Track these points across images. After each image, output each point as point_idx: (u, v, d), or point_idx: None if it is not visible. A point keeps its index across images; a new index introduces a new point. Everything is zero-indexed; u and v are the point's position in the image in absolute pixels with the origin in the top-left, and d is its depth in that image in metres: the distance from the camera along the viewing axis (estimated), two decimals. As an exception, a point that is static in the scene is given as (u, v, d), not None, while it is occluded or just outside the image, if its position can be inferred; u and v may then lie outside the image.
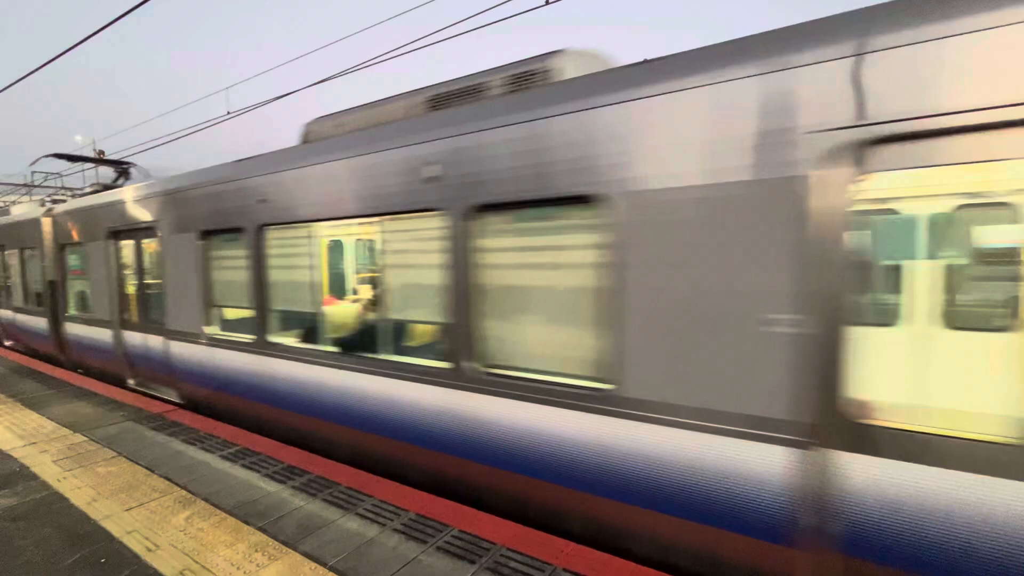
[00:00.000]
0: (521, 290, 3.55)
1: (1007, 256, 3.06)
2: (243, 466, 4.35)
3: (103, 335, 7.83)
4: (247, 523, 3.41)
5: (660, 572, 2.76)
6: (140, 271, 6.99)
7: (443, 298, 3.80)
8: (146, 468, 4.37)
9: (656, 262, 2.86)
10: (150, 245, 6.70)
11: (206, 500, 3.76)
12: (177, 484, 4.04)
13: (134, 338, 7.19)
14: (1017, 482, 2.09)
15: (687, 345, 2.77)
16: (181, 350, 6.24)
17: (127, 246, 7.20)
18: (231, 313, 5.80)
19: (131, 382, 7.45)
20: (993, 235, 3.22)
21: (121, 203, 6.97)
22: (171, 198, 6.12)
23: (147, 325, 6.90)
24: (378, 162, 4.05)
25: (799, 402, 2.50)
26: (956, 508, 2.21)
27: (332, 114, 4.95)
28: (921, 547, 2.28)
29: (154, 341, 6.73)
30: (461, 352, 3.69)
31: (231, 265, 5.56)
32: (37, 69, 6.80)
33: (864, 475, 2.37)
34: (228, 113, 10.09)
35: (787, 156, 2.45)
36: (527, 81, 3.72)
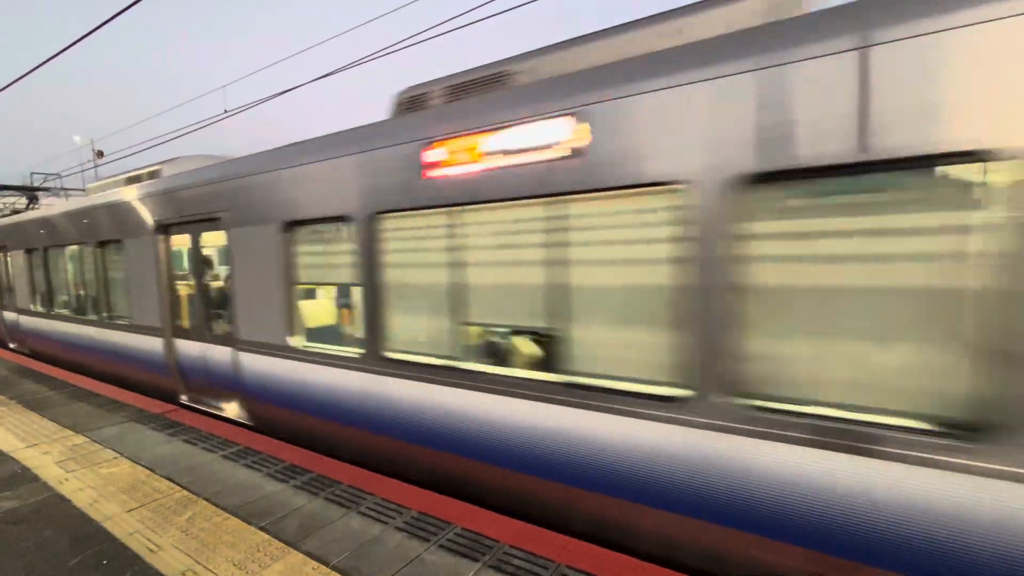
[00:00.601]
0: (115, 280, 7.51)
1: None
2: (244, 466, 4.35)
3: None
4: (249, 523, 3.41)
5: (663, 569, 2.75)
6: (7, 273, 11.66)
7: (99, 285, 7.88)
8: (147, 468, 4.37)
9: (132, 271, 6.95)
10: (10, 257, 11.32)
11: (208, 500, 3.75)
12: (179, 484, 4.04)
13: (5, 315, 12.02)
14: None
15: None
16: (25, 321, 10.87)
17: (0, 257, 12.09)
18: (43, 297, 9.99)
19: (12, 345, 11.94)
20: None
21: None
22: (15, 226, 10.56)
23: (11, 306, 11.57)
24: (80, 218, 8.07)
25: (160, 321, 6.41)
26: (218, 358, 5.83)
27: (101, 180, 8.55)
28: (232, 379, 5.70)
29: (13, 316, 11.47)
30: (101, 310, 7.91)
31: (38, 269, 9.95)
32: (34, 69, 6.76)
33: (184, 348, 6.25)
34: (225, 112, 10.04)
35: (150, 227, 6.32)
36: (152, 175, 7.12)
